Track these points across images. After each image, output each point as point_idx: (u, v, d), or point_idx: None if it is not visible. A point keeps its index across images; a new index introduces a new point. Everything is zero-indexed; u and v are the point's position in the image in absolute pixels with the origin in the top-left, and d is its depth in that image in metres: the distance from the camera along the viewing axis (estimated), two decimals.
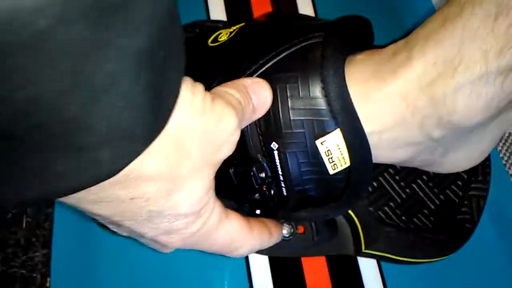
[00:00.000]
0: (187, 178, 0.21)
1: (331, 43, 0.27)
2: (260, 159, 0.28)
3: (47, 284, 0.34)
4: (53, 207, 0.37)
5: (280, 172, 0.28)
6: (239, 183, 0.28)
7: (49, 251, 0.35)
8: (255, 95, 0.26)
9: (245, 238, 0.27)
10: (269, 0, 0.46)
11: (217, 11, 0.44)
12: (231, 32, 0.31)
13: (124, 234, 0.25)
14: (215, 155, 0.23)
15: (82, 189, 0.18)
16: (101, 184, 0.18)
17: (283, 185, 0.28)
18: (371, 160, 0.28)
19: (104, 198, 0.20)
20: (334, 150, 0.27)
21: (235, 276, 0.35)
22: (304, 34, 0.28)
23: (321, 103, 0.26)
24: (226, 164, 0.25)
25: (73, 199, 0.20)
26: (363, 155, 0.27)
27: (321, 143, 0.27)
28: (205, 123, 0.21)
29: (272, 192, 0.28)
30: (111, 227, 0.24)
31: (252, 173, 0.27)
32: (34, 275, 0.34)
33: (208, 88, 0.23)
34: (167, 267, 0.34)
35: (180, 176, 0.21)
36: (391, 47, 0.28)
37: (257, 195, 0.28)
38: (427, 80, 0.26)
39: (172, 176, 0.21)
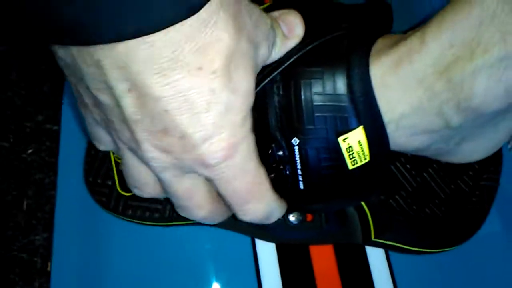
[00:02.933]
0: (242, 52, 0.22)
1: (357, 38, 0.27)
2: (279, 138, 0.27)
3: (48, 269, 0.33)
4: (55, 190, 0.36)
5: (299, 167, 0.28)
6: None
7: (50, 235, 0.34)
8: (284, 23, 0.26)
9: (266, 190, 0.26)
10: None
11: None
12: None
13: (161, 157, 0.23)
14: (256, 42, 0.24)
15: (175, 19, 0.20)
16: (182, 28, 0.20)
17: (300, 179, 0.28)
18: (389, 154, 0.27)
19: (178, 59, 0.21)
20: (355, 147, 0.27)
21: (242, 264, 0.34)
22: (328, 26, 0.27)
23: (345, 100, 0.26)
24: None
25: (148, 64, 0.20)
26: (383, 151, 0.27)
27: (343, 140, 0.27)
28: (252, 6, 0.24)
29: (287, 172, 0.28)
30: (152, 144, 0.23)
31: (270, 151, 0.27)
32: (35, 259, 0.33)
33: None
34: (171, 251, 0.34)
35: (240, 47, 0.22)
36: (408, 33, 0.28)
37: (272, 175, 0.27)
38: (444, 64, 0.25)
39: (236, 40, 0.22)
